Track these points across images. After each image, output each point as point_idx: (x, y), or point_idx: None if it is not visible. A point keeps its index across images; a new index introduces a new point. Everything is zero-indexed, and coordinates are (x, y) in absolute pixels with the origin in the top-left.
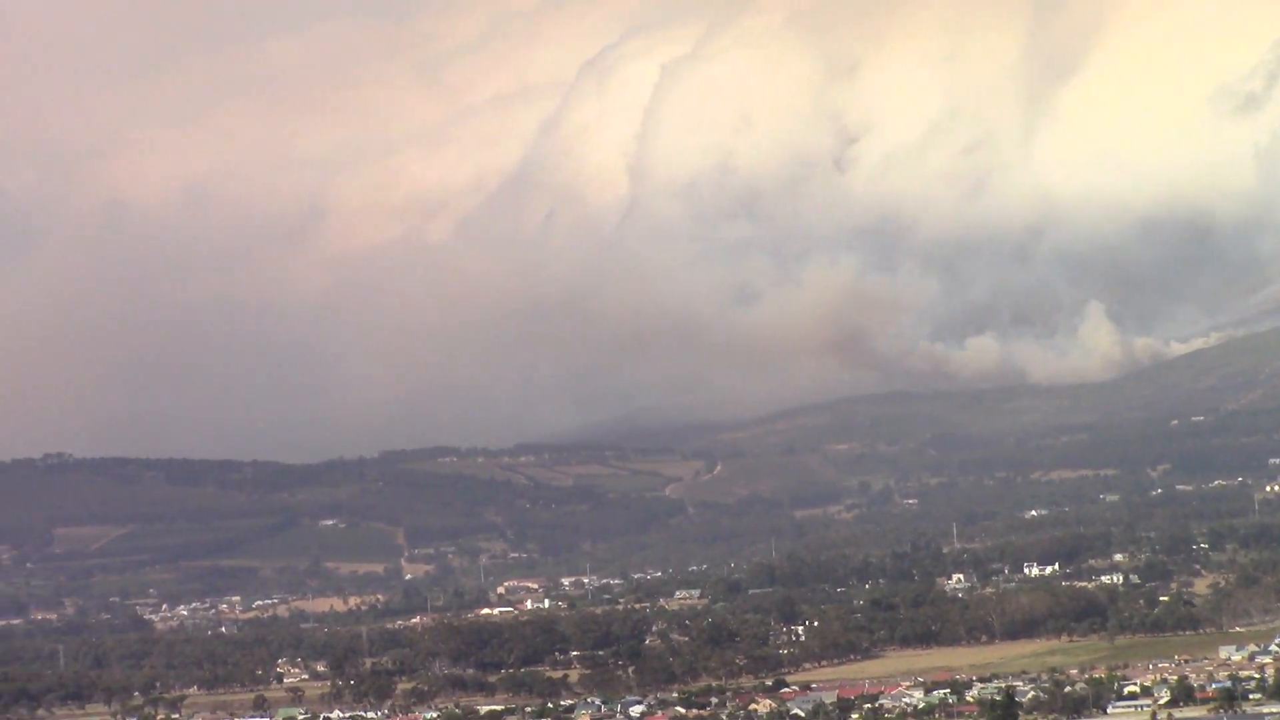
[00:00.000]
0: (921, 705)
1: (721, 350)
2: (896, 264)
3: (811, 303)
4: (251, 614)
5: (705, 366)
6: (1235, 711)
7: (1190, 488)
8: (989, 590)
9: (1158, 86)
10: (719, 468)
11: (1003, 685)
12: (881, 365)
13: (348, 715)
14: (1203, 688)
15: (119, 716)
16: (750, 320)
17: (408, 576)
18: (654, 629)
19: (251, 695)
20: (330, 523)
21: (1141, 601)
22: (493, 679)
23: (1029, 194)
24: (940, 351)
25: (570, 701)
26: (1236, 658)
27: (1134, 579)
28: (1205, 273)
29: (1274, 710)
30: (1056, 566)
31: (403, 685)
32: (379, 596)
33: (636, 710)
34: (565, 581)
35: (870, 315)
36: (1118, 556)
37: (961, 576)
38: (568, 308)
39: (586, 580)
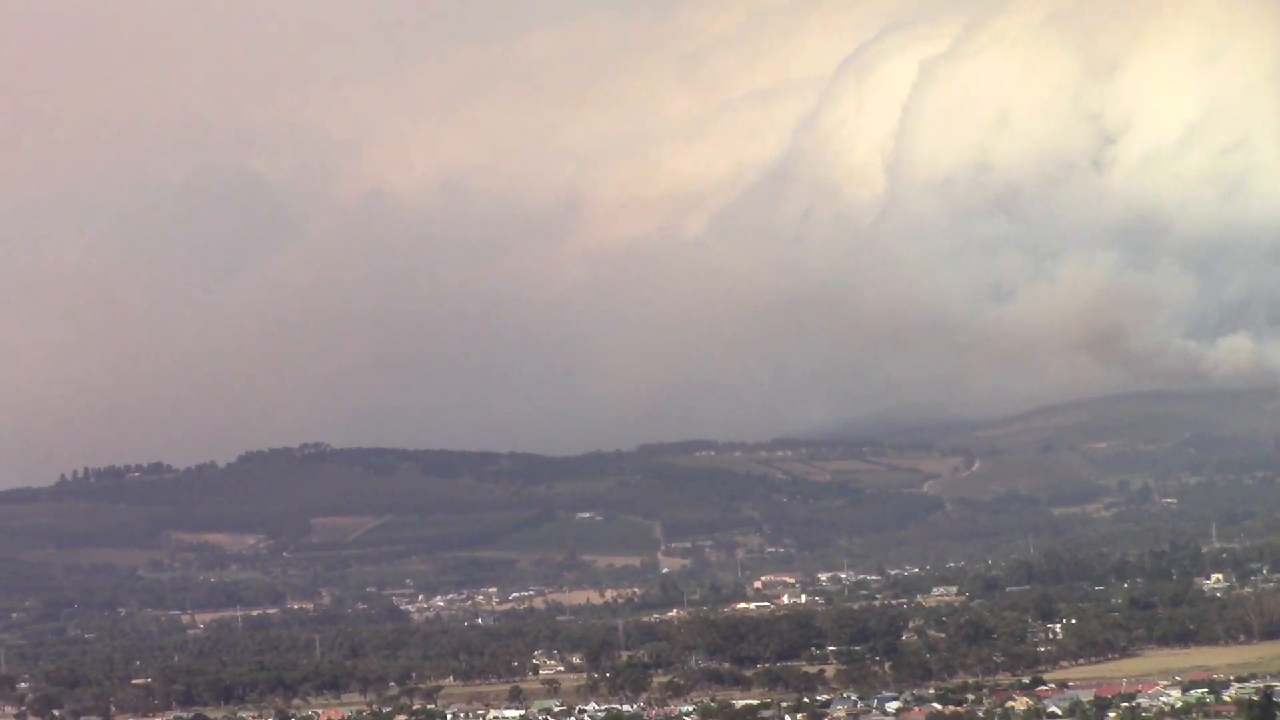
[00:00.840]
0: (1179, 704)
1: (976, 347)
2: (1152, 263)
3: (1066, 300)
4: (508, 606)
5: (960, 363)
6: None
7: None
8: (1248, 590)
9: None
10: (977, 464)
11: (1261, 685)
12: (1134, 364)
13: (603, 708)
14: None
15: (374, 706)
16: (1005, 317)
17: (664, 570)
18: (910, 625)
19: (507, 687)
20: (587, 515)
21: None
22: (748, 673)
23: None
24: (1194, 350)
25: (826, 697)
26: None
27: None
28: None
29: None
30: None
31: (658, 679)
32: (635, 589)
33: (892, 706)
34: (822, 577)
35: (1125, 313)
36: None
37: (1220, 576)
38: (823, 303)
39: (843, 575)
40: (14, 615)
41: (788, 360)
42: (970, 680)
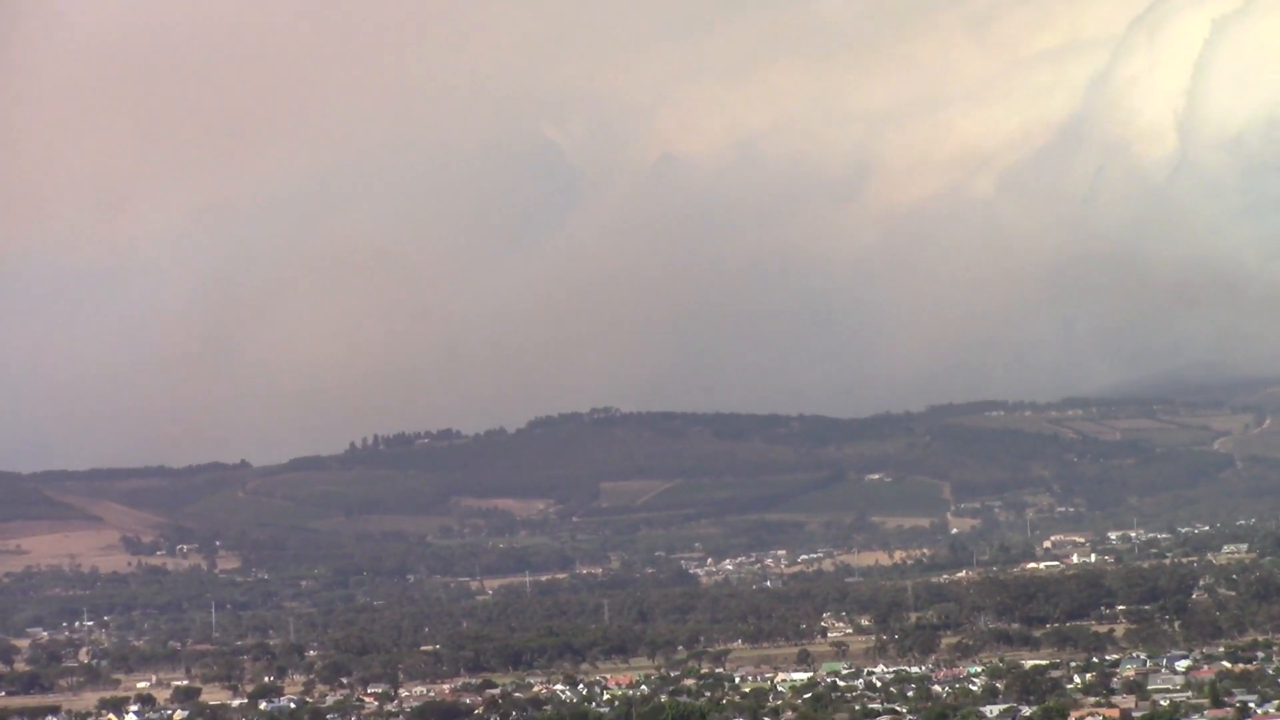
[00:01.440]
0: None
1: (1267, 304)
2: None
3: None
4: (796, 568)
5: (1251, 320)
6: None
7: None
8: None
9: None
10: (1268, 421)
11: None
12: None
13: (892, 669)
14: None
15: (662, 670)
16: None
17: (953, 530)
18: (1201, 583)
19: (795, 650)
20: (876, 477)
21: None
22: (1037, 633)
23: None
24: None
25: (1115, 656)
26: None
27: None
28: None
29: None
30: None
31: (947, 640)
32: (924, 551)
33: (1182, 665)
34: (1112, 535)
35: None
36: None
37: None
38: (1113, 262)
39: (1133, 534)
40: (304, 583)
41: (1077, 319)
42: (1261, 638)
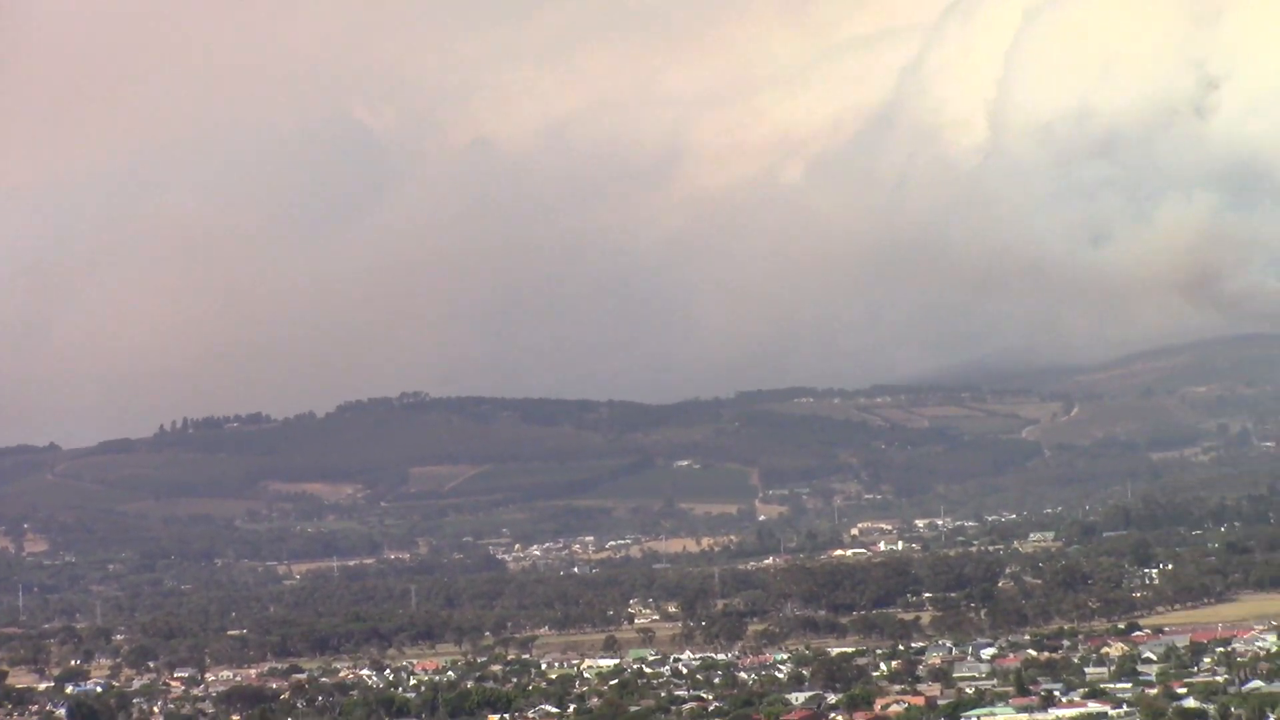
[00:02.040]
0: (1275, 649)
1: (1074, 291)
2: (1252, 205)
3: (1164, 242)
4: (604, 554)
5: (1059, 308)
6: None
7: None
8: None
9: None
10: (1076, 410)
11: None
12: (1229, 306)
13: (698, 656)
14: None
15: (469, 656)
16: (1103, 261)
17: (761, 517)
18: (1007, 572)
19: (602, 636)
20: (685, 463)
21: None
22: (844, 621)
23: None
24: None
25: (921, 644)
26: None
27: None
28: None
29: None
30: None
31: (754, 627)
32: (732, 537)
33: (987, 653)
34: (919, 523)
35: (1222, 255)
36: None
37: None
38: (922, 248)
39: (940, 522)
40: (111, 567)
41: (885, 306)
42: (1066, 626)
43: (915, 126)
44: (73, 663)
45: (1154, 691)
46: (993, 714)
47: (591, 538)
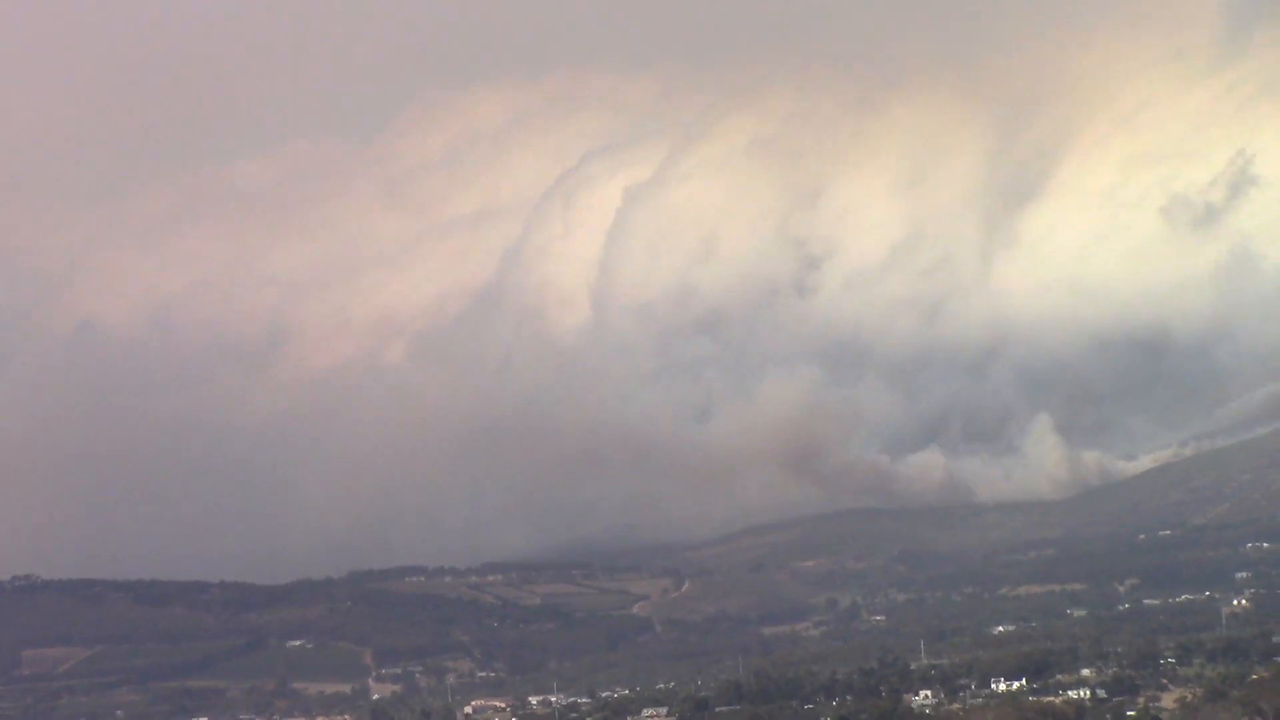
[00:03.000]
0: None
1: (680, 466)
2: (852, 381)
3: (767, 418)
4: None
5: (668, 484)
6: None
7: (1158, 602)
8: (956, 706)
9: (1116, 207)
10: (686, 585)
11: None
12: (828, 481)
13: None
14: None
15: None
16: (707, 436)
17: (375, 696)
18: None
19: None
20: (298, 643)
21: (1109, 716)
22: None
23: (986, 315)
24: (885, 466)
25: None
26: None
27: (1101, 694)
28: (1164, 388)
29: None
30: (1024, 682)
31: None
32: (346, 716)
33: None
34: (533, 700)
35: (820, 431)
36: (1085, 671)
37: (929, 692)
38: (524, 428)
39: (554, 699)
40: None
41: (490, 484)
42: None
43: (518, 306)
44: None
45: None
46: None
47: (206, 718)
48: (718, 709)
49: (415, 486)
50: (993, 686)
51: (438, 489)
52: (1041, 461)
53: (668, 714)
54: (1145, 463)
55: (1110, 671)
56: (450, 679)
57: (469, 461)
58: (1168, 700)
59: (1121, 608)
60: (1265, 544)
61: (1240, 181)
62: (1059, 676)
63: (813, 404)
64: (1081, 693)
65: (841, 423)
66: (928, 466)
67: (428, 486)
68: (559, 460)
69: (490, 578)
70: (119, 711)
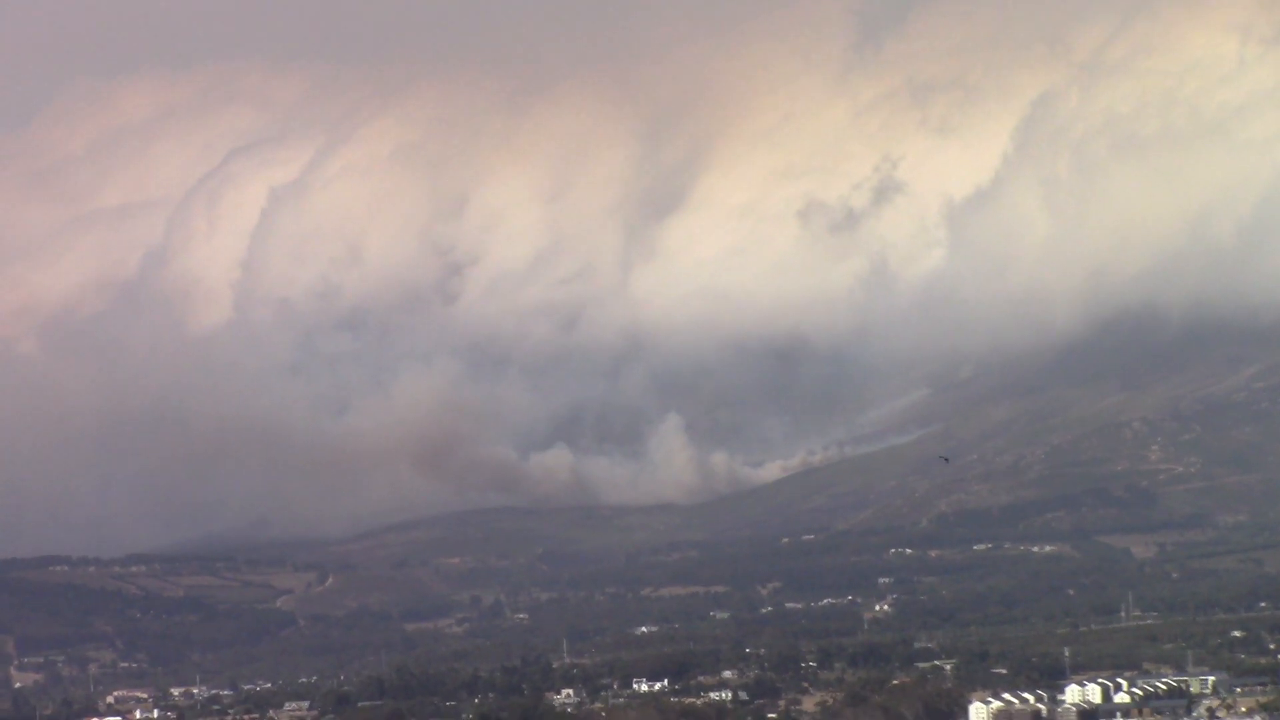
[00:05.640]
0: None
1: (318, 461)
2: (489, 381)
3: (403, 413)
4: None
5: (302, 477)
6: None
7: (800, 605)
8: (598, 705)
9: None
10: (330, 580)
11: None
12: (456, 477)
13: None
14: None
15: None
16: (343, 431)
17: (17, 685)
18: None
19: None
20: None
21: (750, 718)
22: None
23: (624, 322)
24: (513, 462)
25: None
26: None
27: (743, 695)
28: (800, 395)
29: None
30: (666, 682)
31: None
32: None
33: None
34: (175, 692)
35: (457, 427)
36: (726, 673)
37: (571, 691)
38: (161, 421)
39: (196, 690)
40: None
41: (123, 478)
42: None
43: (161, 301)
44: None
45: None
46: None
47: None
48: (360, 704)
49: (47, 477)
50: (635, 686)
51: (70, 481)
52: (669, 463)
53: (310, 708)
54: (774, 470)
55: (752, 674)
56: (93, 669)
57: (103, 454)
58: (808, 703)
59: (764, 610)
60: (908, 550)
61: (886, 187)
62: (701, 678)
63: (449, 401)
64: (723, 694)
65: (476, 419)
66: (555, 466)
67: (61, 478)
68: (190, 454)
69: (134, 569)
70: None
